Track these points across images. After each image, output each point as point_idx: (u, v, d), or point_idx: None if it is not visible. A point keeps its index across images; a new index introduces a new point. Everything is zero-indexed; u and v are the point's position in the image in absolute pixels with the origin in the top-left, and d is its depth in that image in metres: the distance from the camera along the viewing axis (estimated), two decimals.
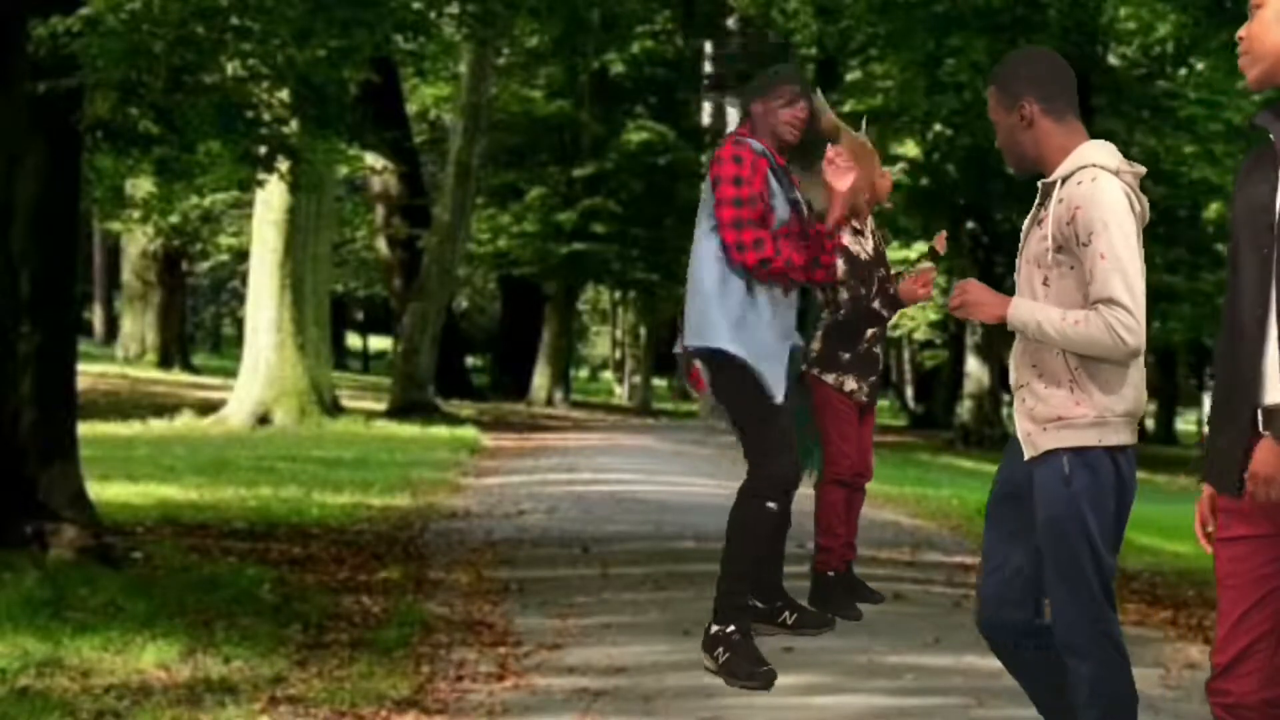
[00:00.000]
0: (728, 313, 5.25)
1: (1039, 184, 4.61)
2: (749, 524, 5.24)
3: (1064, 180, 4.51)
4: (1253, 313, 3.81)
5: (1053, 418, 4.50)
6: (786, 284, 5.32)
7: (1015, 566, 4.67)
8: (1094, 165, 4.50)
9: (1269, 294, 3.77)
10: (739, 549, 5.25)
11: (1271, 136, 3.85)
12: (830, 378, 6.27)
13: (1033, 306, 4.51)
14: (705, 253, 5.29)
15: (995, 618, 4.70)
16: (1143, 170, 4.63)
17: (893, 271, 6.44)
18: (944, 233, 6.48)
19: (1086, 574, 4.54)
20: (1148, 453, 26.96)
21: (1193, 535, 4.26)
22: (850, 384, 6.29)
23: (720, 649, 5.20)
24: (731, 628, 5.19)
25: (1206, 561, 4.38)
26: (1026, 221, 4.67)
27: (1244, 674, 3.95)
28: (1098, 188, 4.45)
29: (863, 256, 6.24)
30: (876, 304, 6.28)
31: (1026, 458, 4.55)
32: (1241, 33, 3.88)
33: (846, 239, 6.17)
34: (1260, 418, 3.83)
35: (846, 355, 6.25)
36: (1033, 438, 4.54)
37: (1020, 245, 4.71)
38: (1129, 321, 4.40)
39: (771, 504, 5.22)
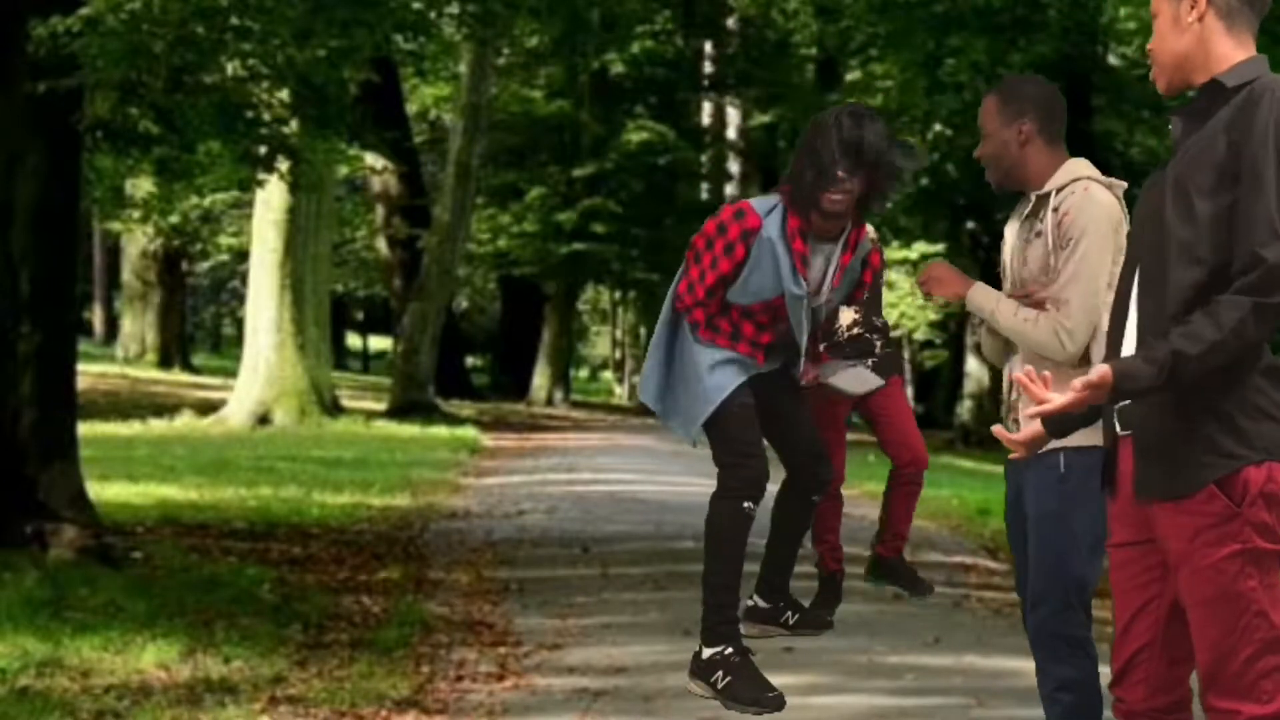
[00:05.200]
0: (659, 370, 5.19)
1: (1031, 195, 4.82)
2: (727, 530, 5.01)
3: (1058, 190, 4.76)
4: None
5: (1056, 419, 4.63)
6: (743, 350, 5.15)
7: None
8: (1087, 177, 4.77)
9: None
10: (721, 558, 5.00)
11: (1172, 134, 3.98)
12: (811, 375, 5.78)
13: (991, 294, 4.79)
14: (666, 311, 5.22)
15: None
16: (1124, 185, 4.85)
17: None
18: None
19: (1070, 573, 4.71)
20: None
21: None
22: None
23: (719, 673, 4.94)
24: (729, 649, 4.95)
25: None
26: (1015, 232, 4.89)
27: (1134, 682, 3.95)
28: (1089, 198, 4.72)
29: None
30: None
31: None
32: (1150, 45, 3.97)
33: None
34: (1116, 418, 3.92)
35: (822, 345, 5.70)
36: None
37: (1007, 256, 4.94)
38: (1072, 328, 4.66)
39: (748, 503, 5.06)
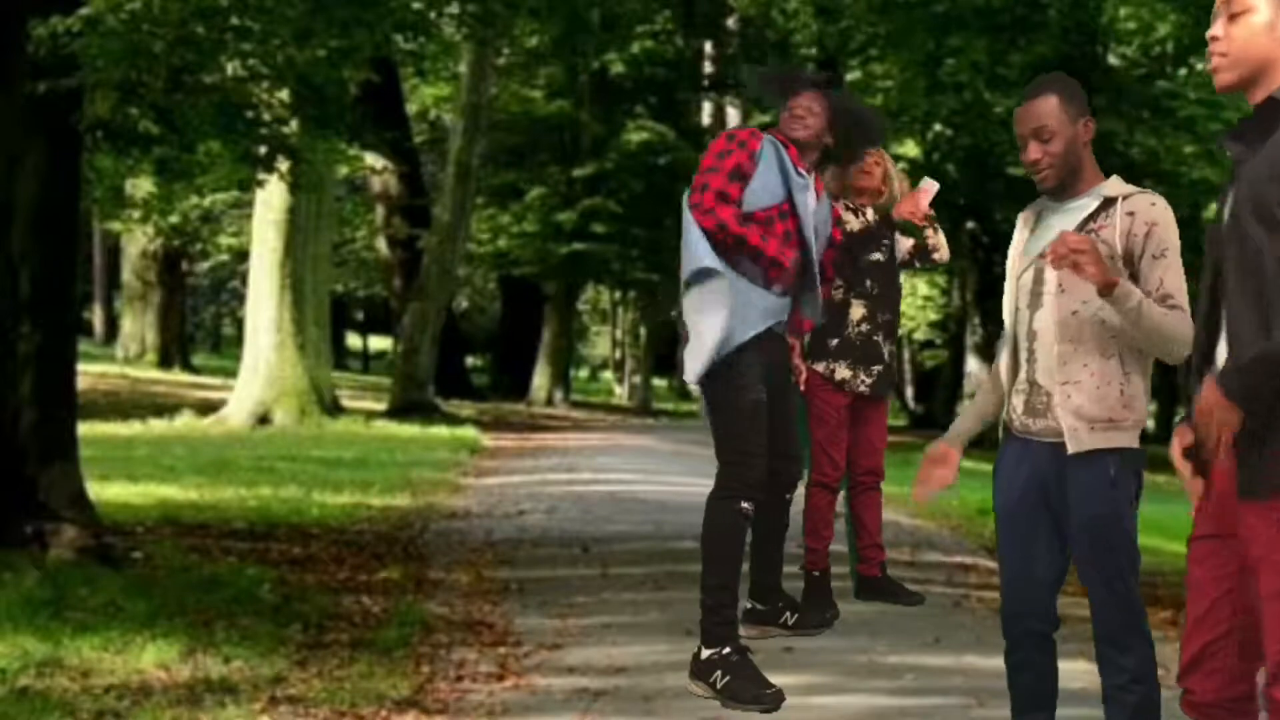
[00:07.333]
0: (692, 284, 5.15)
1: (1100, 196, 4.75)
2: (725, 530, 5.03)
3: (1126, 197, 4.73)
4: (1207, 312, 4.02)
5: (1103, 419, 4.72)
6: (754, 258, 5.11)
7: (1038, 578, 4.85)
8: (1153, 192, 4.80)
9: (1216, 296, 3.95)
10: (718, 558, 5.02)
11: (1230, 156, 3.96)
12: (820, 366, 5.90)
13: (1134, 288, 4.62)
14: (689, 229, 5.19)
15: (1018, 628, 4.88)
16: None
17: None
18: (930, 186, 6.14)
19: (1125, 571, 4.76)
20: (1149, 453, 26.91)
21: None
22: (842, 372, 5.89)
23: (718, 673, 4.96)
24: (727, 649, 4.97)
25: None
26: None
27: (1207, 672, 4.02)
28: (1169, 213, 4.77)
29: (849, 228, 5.87)
30: (849, 279, 5.91)
31: (1071, 451, 4.73)
32: (1217, 33, 3.92)
33: (840, 212, 5.91)
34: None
35: (834, 341, 5.88)
36: (1079, 434, 4.74)
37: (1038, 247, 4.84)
38: (1192, 333, 4.64)
39: (745, 504, 5.07)
